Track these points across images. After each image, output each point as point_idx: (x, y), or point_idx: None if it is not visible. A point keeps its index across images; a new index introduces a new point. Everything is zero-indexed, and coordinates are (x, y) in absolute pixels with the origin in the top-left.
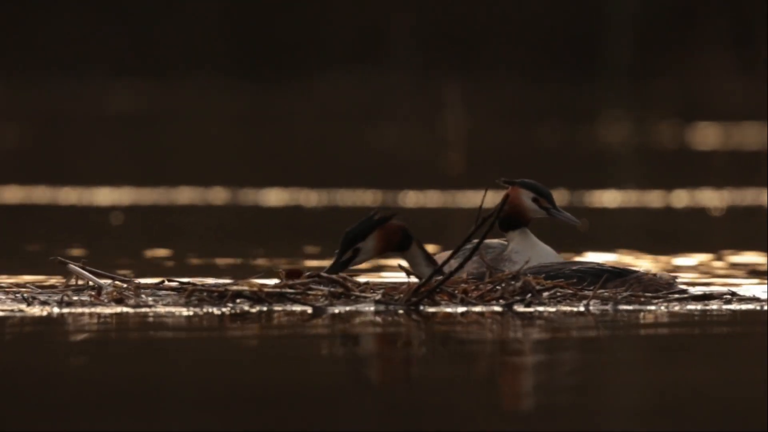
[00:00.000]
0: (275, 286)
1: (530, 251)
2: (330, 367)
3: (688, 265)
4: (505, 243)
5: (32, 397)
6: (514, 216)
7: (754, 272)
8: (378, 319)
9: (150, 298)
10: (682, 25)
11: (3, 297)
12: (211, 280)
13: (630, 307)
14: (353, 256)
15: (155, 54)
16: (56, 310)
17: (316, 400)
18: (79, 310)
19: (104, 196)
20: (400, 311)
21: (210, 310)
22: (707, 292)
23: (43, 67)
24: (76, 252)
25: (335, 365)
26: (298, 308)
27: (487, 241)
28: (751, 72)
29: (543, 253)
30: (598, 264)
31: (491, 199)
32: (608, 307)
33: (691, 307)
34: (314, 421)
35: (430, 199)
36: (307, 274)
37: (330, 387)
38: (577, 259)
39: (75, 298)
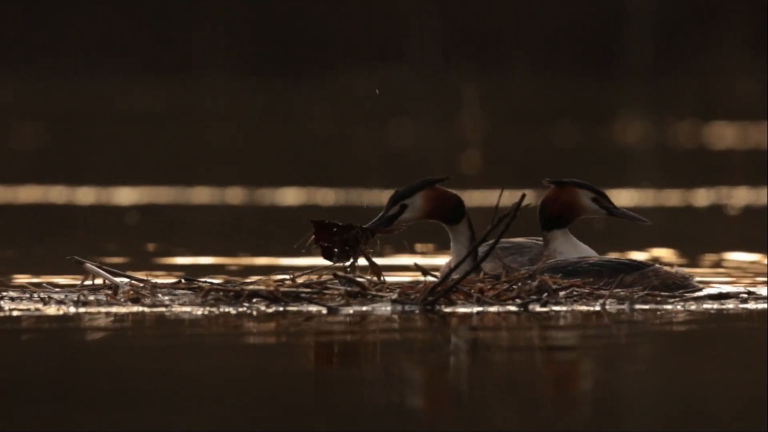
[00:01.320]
0: (292, 285)
1: (573, 251)
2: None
3: (704, 264)
4: (540, 242)
5: (49, 395)
6: (565, 216)
7: None
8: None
9: (166, 298)
10: (700, 24)
11: (20, 296)
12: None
13: (646, 306)
14: (399, 211)
15: (173, 52)
16: (73, 309)
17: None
18: (96, 309)
19: (122, 195)
20: (416, 311)
21: (226, 309)
22: (723, 291)
23: (61, 65)
24: (93, 251)
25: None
26: (314, 308)
27: (521, 240)
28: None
29: (586, 254)
30: (615, 258)
31: (508, 198)
32: (625, 306)
33: (707, 305)
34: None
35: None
36: (336, 228)
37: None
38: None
39: (91, 297)
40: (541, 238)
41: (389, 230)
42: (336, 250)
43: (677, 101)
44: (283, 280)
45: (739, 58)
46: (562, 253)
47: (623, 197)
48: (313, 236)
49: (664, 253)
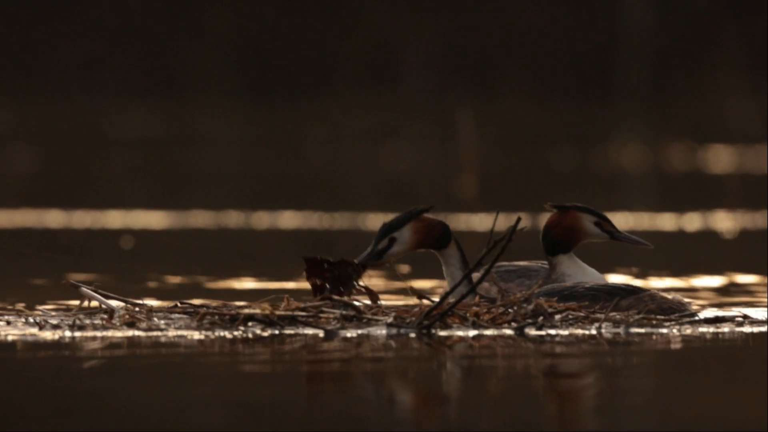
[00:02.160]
0: (288, 308)
1: (581, 274)
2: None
3: (700, 288)
4: (545, 266)
5: (45, 420)
6: (566, 240)
7: (766, 295)
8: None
9: (162, 322)
10: (696, 47)
11: (15, 320)
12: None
13: (642, 330)
14: (389, 245)
15: (168, 76)
16: (68, 333)
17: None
18: (92, 333)
19: (117, 219)
20: (412, 334)
21: (222, 333)
22: (719, 315)
23: (55, 88)
24: (89, 275)
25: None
26: (310, 331)
27: (527, 263)
28: (765, 94)
29: (594, 277)
30: (611, 283)
31: (503, 222)
32: (620, 329)
33: (703, 329)
34: None
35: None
36: (327, 264)
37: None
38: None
39: (87, 321)
40: (545, 262)
41: (380, 263)
42: (328, 286)
43: (673, 124)
44: (278, 304)
45: (734, 80)
46: (571, 276)
47: (618, 220)
48: (305, 273)
49: (659, 277)
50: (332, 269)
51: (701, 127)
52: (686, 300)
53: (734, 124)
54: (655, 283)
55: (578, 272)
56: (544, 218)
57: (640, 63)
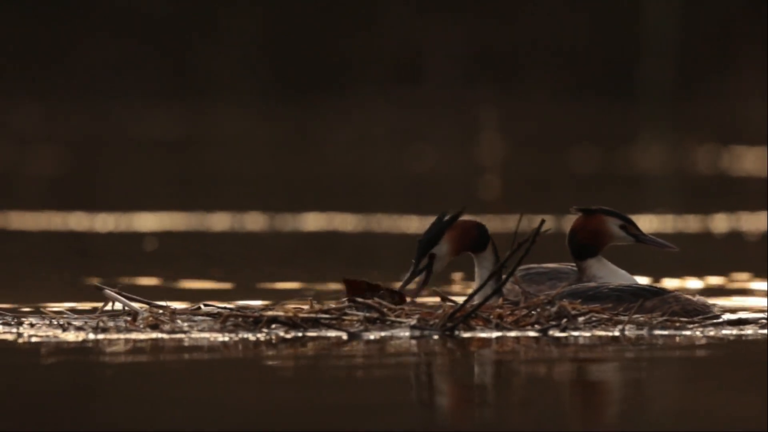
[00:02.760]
0: (311, 310)
1: (612, 276)
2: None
3: (724, 289)
4: (575, 268)
5: (69, 421)
6: (592, 244)
7: None
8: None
9: (185, 324)
10: (721, 48)
11: (39, 323)
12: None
13: (665, 332)
14: (430, 262)
15: (193, 79)
16: (92, 335)
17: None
18: (115, 336)
19: (141, 221)
20: (435, 336)
21: (245, 335)
22: (743, 317)
23: (80, 92)
24: (113, 277)
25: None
26: (333, 333)
27: (556, 265)
28: None
29: (625, 279)
30: (635, 284)
31: (527, 223)
32: (644, 331)
33: (726, 331)
34: None
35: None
36: (366, 285)
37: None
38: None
39: (111, 323)
40: (573, 264)
41: (423, 290)
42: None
43: (698, 125)
44: (301, 306)
45: (759, 81)
46: (602, 278)
47: (642, 223)
48: (346, 294)
49: (683, 279)
50: (371, 291)
51: (726, 129)
52: (710, 302)
53: (759, 125)
54: (679, 284)
55: (609, 274)
56: (569, 220)
57: (664, 64)
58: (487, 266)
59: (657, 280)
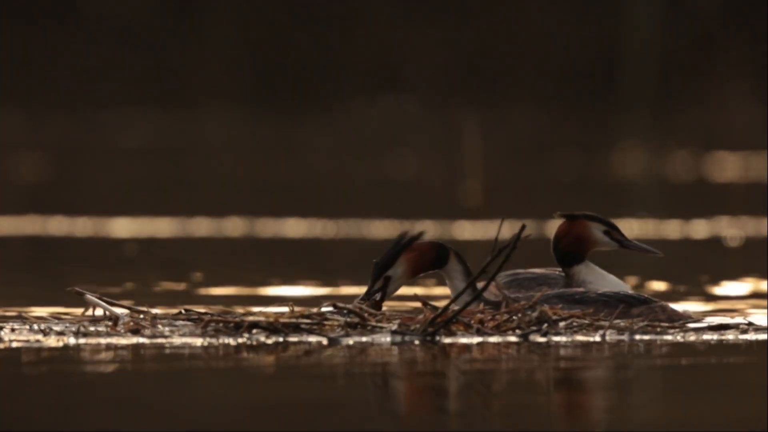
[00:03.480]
0: (292, 315)
1: (602, 281)
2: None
3: (704, 295)
4: (563, 274)
5: (49, 426)
6: (576, 250)
7: None
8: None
9: (166, 329)
10: (701, 54)
11: (20, 327)
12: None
13: (646, 337)
14: (385, 285)
15: (174, 86)
16: (73, 340)
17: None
18: (96, 340)
19: (122, 227)
20: (416, 341)
21: (226, 340)
22: (723, 322)
23: (61, 98)
24: (94, 282)
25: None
26: (313, 338)
27: (545, 271)
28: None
29: (614, 284)
30: (623, 290)
31: (508, 230)
32: (624, 337)
33: (707, 336)
34: None
35: (447, 229)
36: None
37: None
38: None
39: (92, 328)
40: (558, 269)
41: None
42: None
43: (678, 131)
44: (282, 312)
45: (739, 87)
46: (592, 283)
47: (623, 228)
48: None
49: (663, 285)
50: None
51: (706, 135)
52: (691, 308)
53: (739, 131)
54: (659, 288)
55: (598, 279)
56: (550, 226)
57: (645, 70)
58: (456, 277)
59: (638, 285)
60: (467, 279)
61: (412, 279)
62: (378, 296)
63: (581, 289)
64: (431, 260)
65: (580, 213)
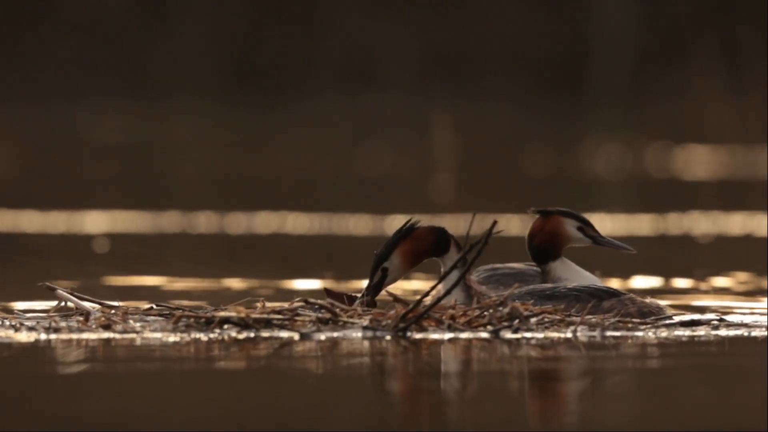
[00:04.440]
0: (263, 311)
1: (577, 277)
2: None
3: (676, 290)
4: (535, 268)
5: (20, 421)
6: (550, 246)
7: (742, 298)
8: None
9: (138, 324)
10: (673, 48)
11: None
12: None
13: (618, 333)
14: (383, 276)
15: (144, 78)
16: (44, 336)
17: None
18: (67, 336)
19: (93, 222)
20: (388, 337)
21: (197, 335)
22: (695, 318)
23: (31, 91)
24: (64, 278)
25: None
26: (285, 334)
27: (523, 266)
28: (743, 94)
29: (590, 280)
30: (592, 285)
31: (479, 225)
32: (596, 333)
33: (678, 332)
34: None
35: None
36: (346, 296)
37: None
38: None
39: (63, 324)
40: (533, 263)
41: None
42: None
43: (650, 125)
44: (254, 306)
45: (712, 80)
46: (568, 279)
47: (595, 223)
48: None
49: (635, 280)
50: (350, 301)
51: (678, 128)
52: (663, 303)
53: (711, 124)
54: (632, 284)
55: (574, 275)
56: (523, 221)
57: (617, 64)
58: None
59: (610, 280)
60: (462, 268)
61: (411, 268)
62: (369, 294)
63: (551, 285)
64: (431, 245)
65: (554, 209)
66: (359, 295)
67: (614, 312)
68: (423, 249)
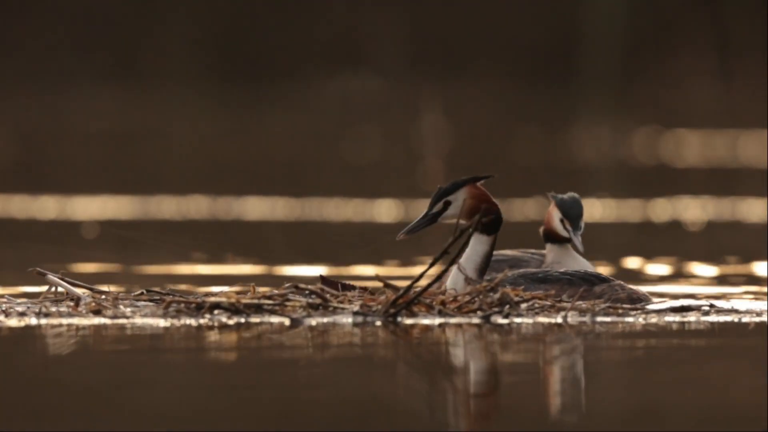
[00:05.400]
0: (254, 296)
1: (572, 263)
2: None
3: (666, 277)
4: (534, 256)
5: (9, 406)
6: (547, 230)
7: (732, 284)
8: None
9: (128, 309)
10: (662, 33)
11: None
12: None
13: (608, 319)
14: (444, 208)
15: (132, 64)
16: (35, 321)
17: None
18: (58, 321)
19: (84, 207)
20: (378, 323)
21: (187, 321)
22: (685, 304)
23: (19, 76)
24: (55, 263)
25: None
26: (275, 319)
27: (517, 253)
28: (732, 79)
29: (584, 267)
30: (583, 270)
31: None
32: (586, 318)
33: (668, 318)
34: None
35: (407, 209)
36: (340, 284)
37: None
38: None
39: (53, 309)
40: (535, 251)
41: (417, 229)
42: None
43: (639, 110)
44: (244, 292)
45: (701, 65)
46: (559, 264)
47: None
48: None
49: (624, 267)
50: (344, 289)
51: (668, 113)
52: (649, 290)
53: (701, 109)
54: (622, 269)
55: (568, 261)
56: (514, 205)
57: (607, 49)
58: (477, 251)
59: (600, 266)
60: (483, 263)
61: (468, 214)
62: (417, 227)
63: (544, 269)
64: (489, 209)
65: (558, 196)
66: (353, 283)
67: (605, 297)
68: (483, 203)
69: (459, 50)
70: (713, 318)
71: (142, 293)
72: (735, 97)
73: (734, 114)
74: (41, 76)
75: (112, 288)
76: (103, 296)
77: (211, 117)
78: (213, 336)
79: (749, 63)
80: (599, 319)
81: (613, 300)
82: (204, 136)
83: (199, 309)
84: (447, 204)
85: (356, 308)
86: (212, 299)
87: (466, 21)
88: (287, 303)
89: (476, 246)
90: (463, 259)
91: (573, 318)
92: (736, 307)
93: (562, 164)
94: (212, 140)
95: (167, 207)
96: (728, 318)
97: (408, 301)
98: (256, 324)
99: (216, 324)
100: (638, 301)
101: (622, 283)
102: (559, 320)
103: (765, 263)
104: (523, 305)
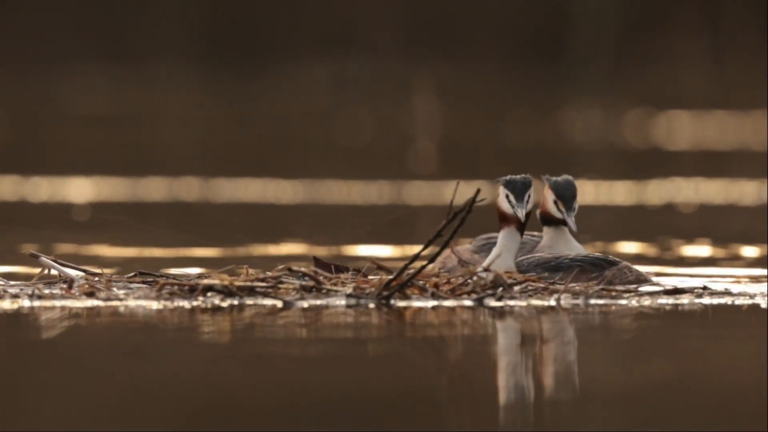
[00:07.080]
0: (247, 278)
1: (564, 248)
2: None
3: (659, 259)
4: (532, 238)
5: (3, 389)
6: (543, 212)
7: (726, 265)
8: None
9: (121, 291)
10: (654, 14)
11: None
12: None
13: (601, 301)
14: (526, 200)
15: (123, 46)
16: (28, 303)
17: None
18: (51, 303)
19: (76, 188)
20: (371, 305)
21: (181, 303)
22: (679, 287)
23: (11, 59)
24: (49, 244)
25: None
26: (268, 302)
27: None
28: (724, 61)
29: (577, 250)
30: (592, 254)
31: (464, 192)
32: (579, 301)
33: (662, 301)
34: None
35: (401, 192)
36: (333, 266)
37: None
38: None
39: (46, 291)
40: (532, 234)
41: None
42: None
43: (631, 91)
44: (237, 274)
45: (693, 47)
46: (551, 248)
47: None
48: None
49: (617, 248)
50: (337, 271)
51: (660, 95)
52: (645, 270)
53: (694, 91)
54: (617, 251)
55: (561, 245)
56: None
57: (599, 30)
58: (509, 244)
59: (595, 249)
60: (510, 252)
61: (533, 209)
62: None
63: (555, 255)
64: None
65: (554, 178)
66: (347, 266)
67: (616, 281)
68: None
69: (452, 32)
70: (707, 300)
71: (135, 275)
72: (728, 79)
73: (727, 95)
74: (31, 56)
75: (106, 270)
76: (97, 278)
77: (203, 98)
78: (206, 318)
79: (742, 44)
80: (592, 301)
81: (624, 282)
82: (196, 118)
83: (192, 291)
84: (528, 197)
85: (349, 291)
86: (205, 281)
87: (459, 2)
88: (280, 285)
89: (510, 243)
90: (501, 259)
91: (566, 300)
92: (729, 290)
93: (554, 146)
94: (206, 122)
95: (160, 188)
96: (722, 300)
97: (401, 283)
98: (249, 306)
99: (209, 306)
100: (645, 283)
101: (629, 264)
102: (553, 303)
103: (758, 246)
104: (516, 288)
